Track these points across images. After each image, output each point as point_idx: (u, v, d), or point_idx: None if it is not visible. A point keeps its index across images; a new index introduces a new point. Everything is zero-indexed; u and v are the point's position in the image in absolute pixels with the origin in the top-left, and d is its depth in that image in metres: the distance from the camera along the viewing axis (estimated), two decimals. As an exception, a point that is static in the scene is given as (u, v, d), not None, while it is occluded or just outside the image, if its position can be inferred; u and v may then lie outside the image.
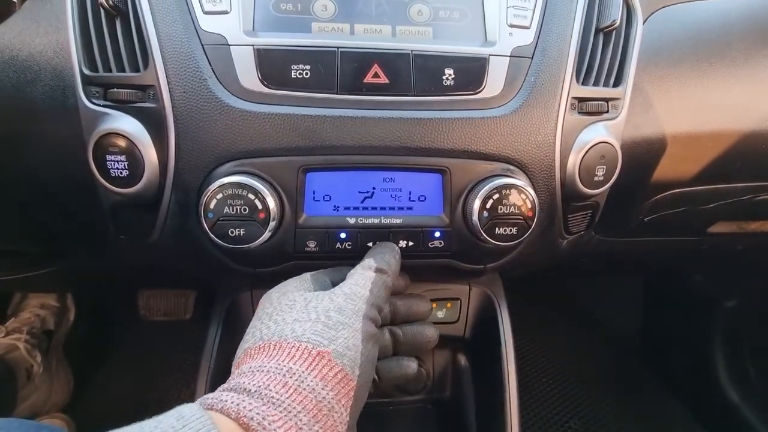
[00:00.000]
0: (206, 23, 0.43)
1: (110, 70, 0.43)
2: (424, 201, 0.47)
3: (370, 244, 0.47)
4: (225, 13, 0.44)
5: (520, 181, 0.45)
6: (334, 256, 0.47)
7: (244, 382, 0.32)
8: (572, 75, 0.47)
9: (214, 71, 0.43)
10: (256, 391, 0.31)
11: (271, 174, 0.43)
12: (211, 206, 0.42)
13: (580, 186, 0.48)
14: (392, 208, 0.47)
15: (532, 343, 1.21)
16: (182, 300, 1.19)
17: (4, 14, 0.47)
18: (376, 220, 0.47)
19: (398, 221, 0.47)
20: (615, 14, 0.48)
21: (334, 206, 0.46)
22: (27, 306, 1.06)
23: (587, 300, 1.37)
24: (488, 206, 0.45)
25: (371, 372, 0.39)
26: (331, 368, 0.34)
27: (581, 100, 0.48)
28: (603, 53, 0.50)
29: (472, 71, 0.45)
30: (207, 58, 0.43)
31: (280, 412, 0.30)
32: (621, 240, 0.69)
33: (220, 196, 0.41)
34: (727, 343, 1.05)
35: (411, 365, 0.45)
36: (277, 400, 0.31)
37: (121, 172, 0.43)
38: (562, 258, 0.63)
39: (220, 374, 0.57)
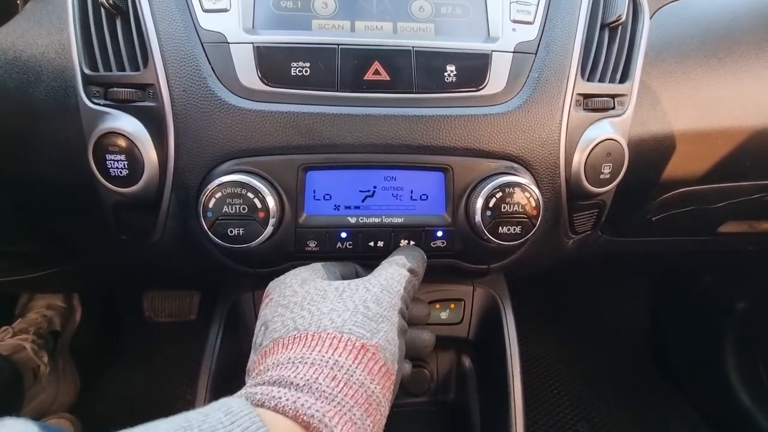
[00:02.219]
0: (206, 21, 0.43)
1: (110, 70, 0.43)
2: (426, 200, 0.46)
3: (371, 244, 0.46)
4: (225, 11, 0.43)
5: (524, 179, 0.44)
6: (334, 256, 0.47)
7: (288, 375, 0.30)
8: (577, 71, 0.46)
9: (213, 69, 0.42)
10: (305, 385, 0.30)
11: (271, 173, 0.43)
12: (210, 205, 0.41)
13: (586, 184, 0.48)
14: (394, 208, 0.46)
15: (538, 345, 1.20)
16: (187, 301, 1.20)
17: (6, 15, 0.47)
18: (377, 220, 0.46)
19: (400, 220, 0.46)
20: (621, 9, 0.48)
21: (335, 205, 0.46)
22: (34, 307, 1.07)
23: (594, 301, 1.35)
24: (491, 205, 0.44)
25: (402, 367, 0.39)
26: (376, 362, 0.33)
27: (586, 96, 0.47)
28: (609, 49, 0.49)
29: (474, 68, 0.44)
30: (206, 56, 0.43)
31: (334, 407, 0.29)
32: (628, 240, 0.67)
33: (219, 195, 0.41)
34: (738, 345, 1.03)
35: (405, 367, 0.45)
36: (330, 394, 0.30)
37: (120, 172, 0.42)
38: (567, 258, 0.62)
39: (222, 374, 0.57)
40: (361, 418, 0.30)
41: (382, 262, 0.44)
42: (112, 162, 0.42)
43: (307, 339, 0.34)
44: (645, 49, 0.50)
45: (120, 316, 1.23)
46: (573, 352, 1.21)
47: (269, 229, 0.42)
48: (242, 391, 0.31)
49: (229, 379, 0.58)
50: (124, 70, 0.43)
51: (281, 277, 0.42)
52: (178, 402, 1.04)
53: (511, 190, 0.44)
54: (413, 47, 0.44)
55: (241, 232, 0.42)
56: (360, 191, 0.46)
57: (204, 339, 0.58)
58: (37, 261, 0.70)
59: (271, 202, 0.42)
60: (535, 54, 0.46)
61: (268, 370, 0.32)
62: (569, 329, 1.28)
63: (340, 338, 0.33)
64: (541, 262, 0.61)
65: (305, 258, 0.47)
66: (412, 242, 0.47)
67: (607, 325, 1.30)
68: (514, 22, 0.46)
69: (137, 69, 0.43)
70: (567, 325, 1.29)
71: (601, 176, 0.48)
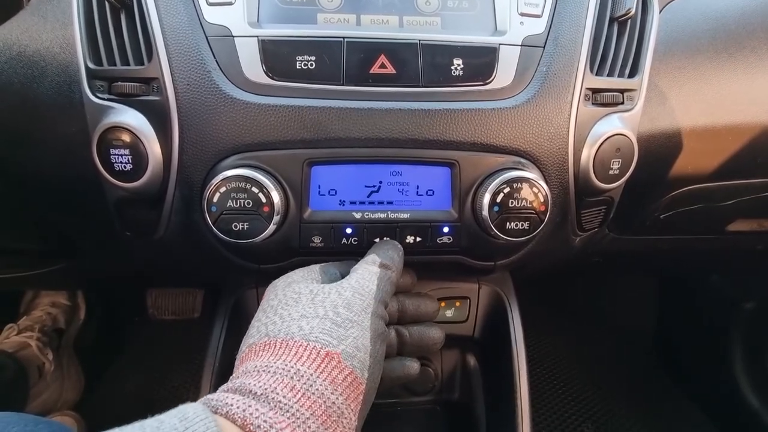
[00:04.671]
0: (210, 15, 0.43)
1: (115, 64, 0.43)
2: (432, 195, 0.46)
3: (377, 240, 0.46)
4: (229, 4, 0.43)
5: (532, 174, 0.44)
6: (339, 252, 0.46)
7: (249, 383, 0.31)
8: (586, 65, 0.46)
9: (218, 63, 0.42)
10: (262, 394, 0.30)
11: (276, 167, 0.43)
12: (215, 200, 0.41)
13: (594, 180, 0.47)
14: (399, 203, 0.46)
15: (544, 344, 1.19)
16: (190, 299, 1.20)
17: (12, 11, 0.47)
18: (382, 215, 0.46)
19: (405, 216, 0.46)
20: (630, 2, 0.47)
21: (340, 201, 0.45)
22: (38, 304, 1.07)
23: (600, 301, 1.34)
24: (499, 200, 0.43)
25: (379, 373, 0.37)
26: (341, 370, 0.33)
27: (595, 90, 0.46)
28: (618, 43, 0.48)
29: (481, 61, 0.44)
30: (211, 50, 0.42)
31: (288, 418, 0.29)
32: (636, 238, 0.67)
33: (223, 189, 0.41)
34: (745, 345, 1.01)
35: (413, 366, 0.44)
36: (285, 404, 0.29)
37: (124, 166, 0.42)
38: (574, 256, 0.61)
39: (226, 372, 0.56)
40: (317, 431, 0.29)
41: (356, 264, 0.43)
42: (116, 157, 0.42)
43: (275, 346, 0.34)
44: (654, 43, 0.49)
45: (124, 313, 1.23)
46: (579, 352, 1.20)
47: (274, 224, 0.42)
48: (203, 397, 0.31)
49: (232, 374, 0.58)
50: (128, 64, 0.43)
51: (276, 280, 0.42)
52: (182, 399, 1.03)
53: (519, 185, 0.43)
54: (420, 41, 0.43)
55: (245, 227, 0.42)
56: (365, 186, 0.45)
57: (207, 336, 0.58)
58: (41, 258, 0.70)
59: (275, 196, 0.41)
60: (543, 48, 0.45)
61: (238, 377, 0.33)
62: (575, 329, 1.27)
63: (306, 346, 0.33)
64: (548, 259, 0.60)
65: (310, 254, 0.47)
66: (386, 237, 0.46)
67: (614, 325, 1.29)
68: (522, 15, 0.46)
69: (141, 63, 0.43)
70: (573, 324, 1.28)
71: (610, 172, 0.47)
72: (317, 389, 0.31)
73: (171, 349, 1.15)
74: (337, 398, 0.31)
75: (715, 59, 0.52)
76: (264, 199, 0.41)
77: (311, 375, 0.31)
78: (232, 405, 0.29)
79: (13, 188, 0.51)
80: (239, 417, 0.28)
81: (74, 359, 1.07)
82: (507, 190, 0.43)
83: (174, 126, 0.42)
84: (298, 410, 0.29)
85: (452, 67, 0.43)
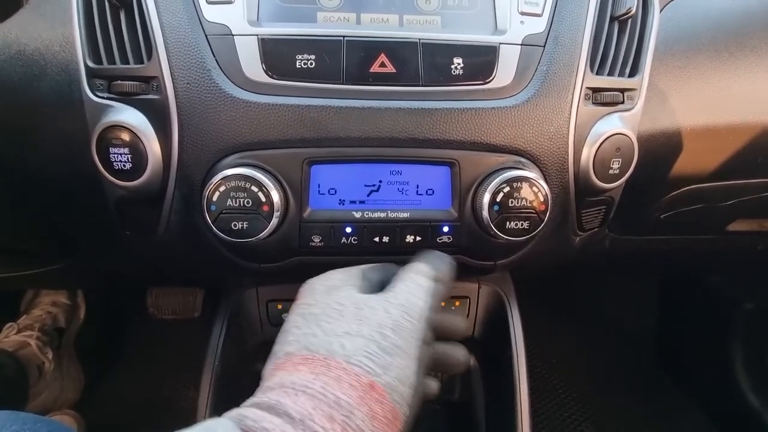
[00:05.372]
0: (210, 13, 0.43)
1: (114, 62, 0.43)
2: (432, 194, 0.46)
3: (377, 239, 0.46)
4: (229, 3, 0.43)
5: (532, 173, 0.44)
6: (339, 252, 0.46)
7: (286, 404, 0.29)
8: (586, 64, 0.46)
9: (217, 62, 0.42)
10: (300, 420, 0.28)
11: (275, 166, 0.43)
12: (214, 199, 0.41)
13: (594, 179, 0.47)
14: (399, 202, 0.46)
15: (544, 344, 1.19)
16: (191, 298, 1.20)
17: (12, 9, 0.47)
18: (382, 215, 0.45)
19: (405, 215, 0.46)
20: (631, 1, 0.47)
21: (340, 200, 0.45)
22: (39, 303, 1.07)
23: (600, 301, 1.34)
24: (499, 200, 0.43)
25: (417, 406, 0.34)
26: (382, 405, 0.31)
27: (596, 90, 0.46)
28: (618, 42, 0.48)
29: (481, 60, 0.44)
30: (211, 48, 0.42)
31: None
32: (636, 239, 0.66)
33: (223, 188, 0.41)
34: (746, 346, 1.01)
35: (432, 385, 0.41)
36: None
37: (124, 165, 0.42)
38: (574, 256, 0.61)
39: (225, 372, 0.56)
40: None
41: (400, 271, 0.40)
42: (115, 155, 0.42)
43: (315, 363, 0.32)
44: (655, 42, 0.49)
45: (124, 313, 1.23)
46: (579, 352, 1.20)
47: (273, 223, 0.42)
48: (235, 411, 0.30)
49: (232, 376, 0.58)
50: (127, 63, 0.43)
51: (313, 279, 0.40)
52: (181, 400, 1.04)
53: (519, 184, 0.43)
54: (420, 39, 0.43)
55: (244, 226, 0.42)
56: (365, 186, 0.45)
57: (207, 336, 0.58)
58: (41, 257, 0.70)
59: (275, 196, 0.41)
60: (544, 47, 0.45)
61: (272, 389, 0.31)
62: (575, 329, 1.27)
63: (348, 370, 0.31)
64: (549, 259, 0.60)
65: (310, 253, 0.47)
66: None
67: (614, 325, 1.29)
68: (522, 14, 0.45)
69: (141, 62, 0.42)
70: (573, 324, 1.28)
71: (610, 171, 0.47)
72: (356, 424, 0.29)
73: (171, 349, 1.15)
74: None
75: (716, 58, 0.52)
76: (263, 198, 0.41)
77: (351, 406, 0.30)
78: (268, 430, 0.27)
79: (14, 187, 0.51)
80: None
81: (74, 358, 1.07)
82: (507, 189, 0.43)
83: (173, 125, 0.42)
84: None
85: (452, 66, 0.43)
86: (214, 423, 0.27)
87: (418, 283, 0.37)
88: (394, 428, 0.31)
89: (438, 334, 0.40)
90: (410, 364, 0.33)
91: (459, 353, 0.41)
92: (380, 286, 0.39)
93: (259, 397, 0.31)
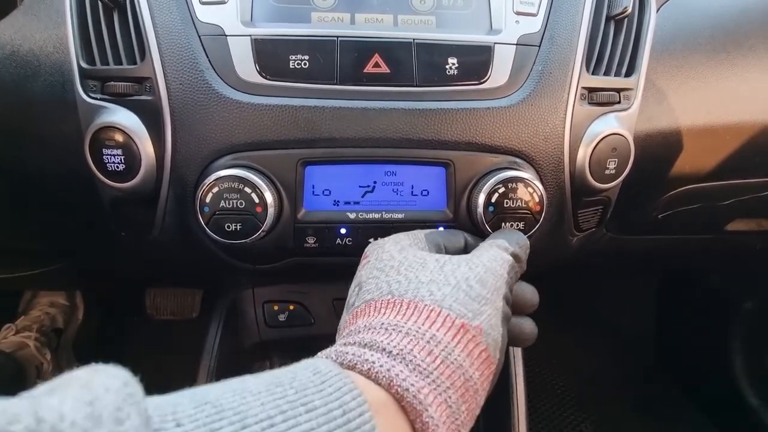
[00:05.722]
0: (203, 14, 0.43)
1: (107, 63, 0.43)
2: (427, 195, 0.46)
3: (371, 240, 0.46)
4: (222, 3, 0.43)
5: (527, 174, 0.43)
6: (334, 253, 0.46)
7: (380, 340, 0.27)
8: (582, 64, 0.45)
9: (211, 62, 0.42)
10: (398, 354, 0.26)
11: (269, 167, 0.42)
12: (207, 200, 0.41)
13: (591, 180, 0.47)
14: (394, 203, 0.46)
15: (541, 344, 1.18)
16: (189, 299, 1.20)
17: (5, 10, 0.47)
18: (377, 216, 0.45)
19: (400, 216, 0.45)
20: (627, 1, 0.46)
21: (334, 201, 0.45)
22: (37, 304, 1.07)
23: (598, 301, 1.34)
24: (494, 200, 0.43)
25: (503, 360, 0.33)
26: (477, 345, 0.29)
27: (591, 90, 0.46)
28: (614, 41, 0.48)
29: (476, 60, 0.44)
30: (204, 49, 0.42)
31: (429, 384, 0.26)
32: (634, 238, 0.66)
33: (216, 189, 0.40)
34: (745, 345, 1.01)
35: (527, 324, 0.40)
36: (424, 369, 0.26)
37: (117, 167, 0.42)
38: (572, 257, 0.61)
39: (221, 373, 0.56)
40: (456, 403, 0.26)
41: (481, 242, 0.39)
42: (108, 157, 0.42)
43: (401, 306, 0.30)
44: (652, 42, 0.49)
45: (122, 313, 1.23)
46: (578, 352, 1.19)
47: (267, 224, 0.42)
48: (331, 349, 0.28)
49: (229, 377, 0.58)
50: (121, 64, 0.43)
51: (379, 241, 0.39)
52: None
53: (514, 185, 0.43)
54: (414, 40, 0.43)
55: (238, 227, 0.41)
56: (360, 186, 0.45)
57: (203, 337, 0.58)
58: (38, 258, 0.70)
59: (269, 197, 0.41)
60: (539, 46, 0.45)
61: (360, 331, 0.29)
62: (574, 329, 1.27)
63: (439, 312, 0.29)
64: (546, 259, 0.60)
65: (304, 254, 0.46)
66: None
67: (612, 325, 1.29)
68: (518, 14, 0.45)
69: (134, 63, 0.42)
70: (571, 324, 1.28)
71: (606, 172, 0.47)
72: (455, 359, 0.28)
73: (169, 349, 1.15)
74: (473, 373, 0.28)
75: (713, 58, 0.51)
76: (257, 200, 0.41)
77: (448, 343, 0.28)
78: (374, 362, 0.26)
79: (11, 187, 0.51)
80: (384, 377, 0.25)
81: (72, 359, 1.07)
82: (502, 189, 0.43)
83: (167, 126, 0.42)
84: (438, 377, 0.26)
85: (447, 67, 0.43)
86: (313, 360, 0.26)
87: (501, 254, 0.37)
88: (488, 370, 0.30)
89: (514, 306, 0.40)
90: (497, 314, 0.32)
91: (527, 326, 0.40)
92: (445, 252, 0.39)
93: (347, 339, 0.29)
